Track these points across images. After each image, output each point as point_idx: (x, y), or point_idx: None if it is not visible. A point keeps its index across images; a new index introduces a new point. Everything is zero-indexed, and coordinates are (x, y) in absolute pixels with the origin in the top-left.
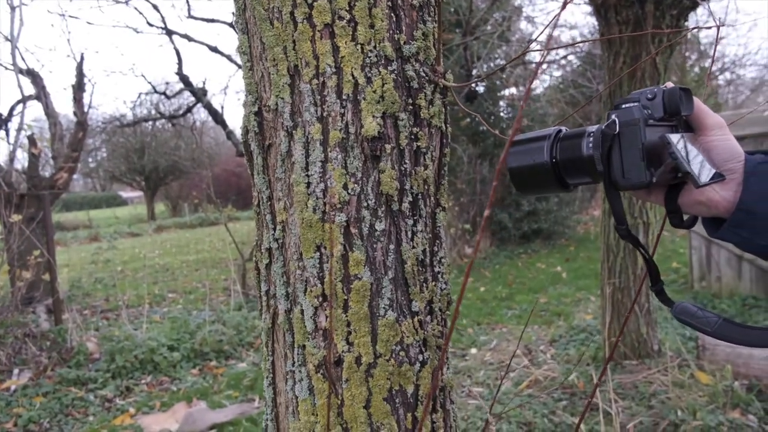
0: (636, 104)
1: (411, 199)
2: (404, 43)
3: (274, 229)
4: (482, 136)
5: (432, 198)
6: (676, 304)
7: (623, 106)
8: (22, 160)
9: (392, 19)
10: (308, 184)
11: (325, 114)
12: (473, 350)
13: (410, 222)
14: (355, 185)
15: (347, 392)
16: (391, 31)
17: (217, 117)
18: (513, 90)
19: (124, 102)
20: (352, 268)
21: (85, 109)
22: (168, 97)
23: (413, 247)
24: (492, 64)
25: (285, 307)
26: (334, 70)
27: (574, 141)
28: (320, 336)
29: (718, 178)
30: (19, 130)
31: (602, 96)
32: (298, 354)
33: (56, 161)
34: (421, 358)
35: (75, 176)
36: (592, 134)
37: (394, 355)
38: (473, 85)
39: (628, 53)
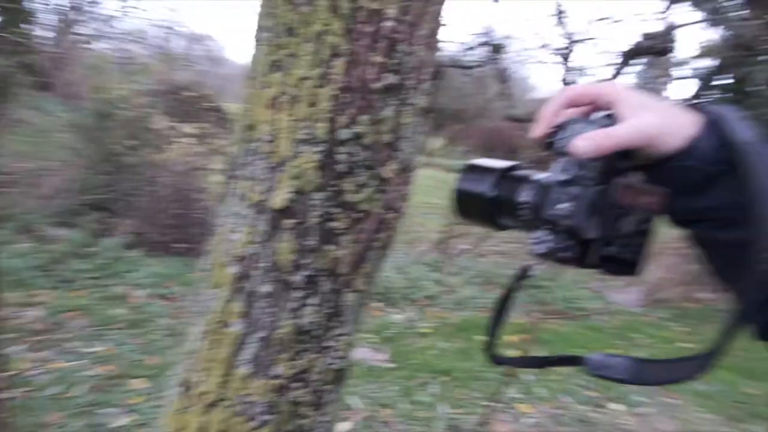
0: None
1: (308, 274)
2: (344, 126)
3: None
4: None
5: (342, 278)
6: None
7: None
8: None
9: (337, 101)
10: (231, 230)
11: (253, 175)
12: None
13: (300, 294)
14: (256, 246)
15: (193, 414)
16: (332, 113)
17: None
18: None
19: None
20: (229, 315)
21: None
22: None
23: (295, 318)
24: None
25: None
26: (270, 138)
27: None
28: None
29: None
30: None
31: None
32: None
33: None
34: (264, 418)
35: None
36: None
37: (237, 405)
38: None
39: None
